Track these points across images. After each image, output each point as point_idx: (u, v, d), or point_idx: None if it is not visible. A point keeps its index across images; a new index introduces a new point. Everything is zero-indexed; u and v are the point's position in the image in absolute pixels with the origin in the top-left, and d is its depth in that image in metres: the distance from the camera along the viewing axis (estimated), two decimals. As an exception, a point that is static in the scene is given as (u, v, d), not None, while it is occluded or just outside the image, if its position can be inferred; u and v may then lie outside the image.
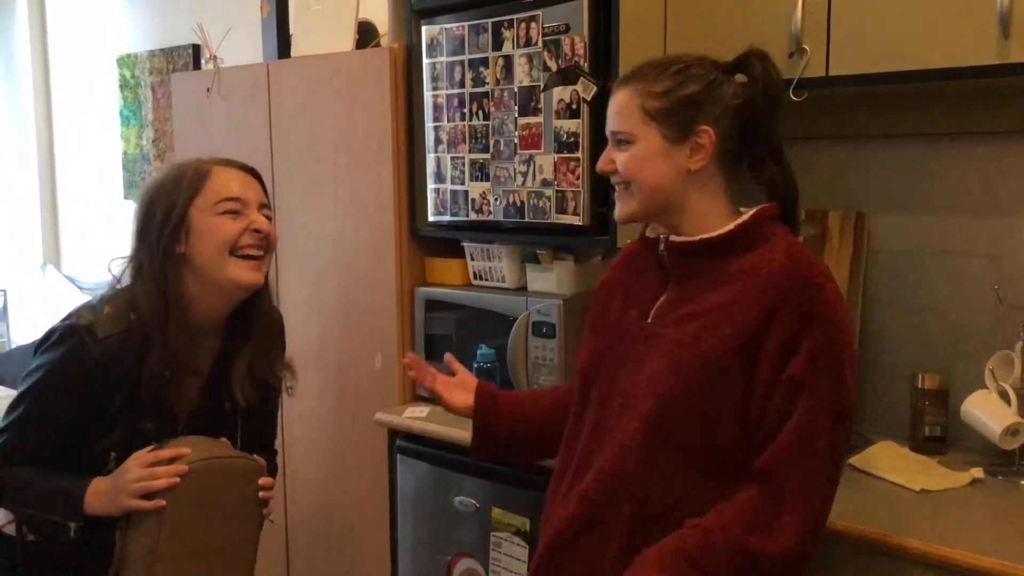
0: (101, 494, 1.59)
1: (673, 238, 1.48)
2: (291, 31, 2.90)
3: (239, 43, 3.21)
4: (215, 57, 3.03)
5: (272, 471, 1.82)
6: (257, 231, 1.65)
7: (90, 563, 1.64)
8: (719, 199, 1.47)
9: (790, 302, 1.33)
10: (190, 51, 3.94)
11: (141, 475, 1.56)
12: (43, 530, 1.66)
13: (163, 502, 1.56)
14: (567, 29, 2.10)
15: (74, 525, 1.59)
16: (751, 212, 1.46)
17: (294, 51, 2.85)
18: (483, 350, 2.27)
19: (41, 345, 1.65)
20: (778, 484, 1.31)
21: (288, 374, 1.84)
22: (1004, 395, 1.90)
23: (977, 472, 1.88)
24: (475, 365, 2.27)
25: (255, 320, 1.74)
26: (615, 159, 1.47)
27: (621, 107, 1.46)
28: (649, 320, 1.48)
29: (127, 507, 1.57)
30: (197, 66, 3.84)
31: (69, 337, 1.60)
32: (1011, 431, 1.85)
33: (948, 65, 1.74)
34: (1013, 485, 1.85)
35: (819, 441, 1.32)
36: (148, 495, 1.56)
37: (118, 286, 1.69)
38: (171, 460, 1.58)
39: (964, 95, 1.98)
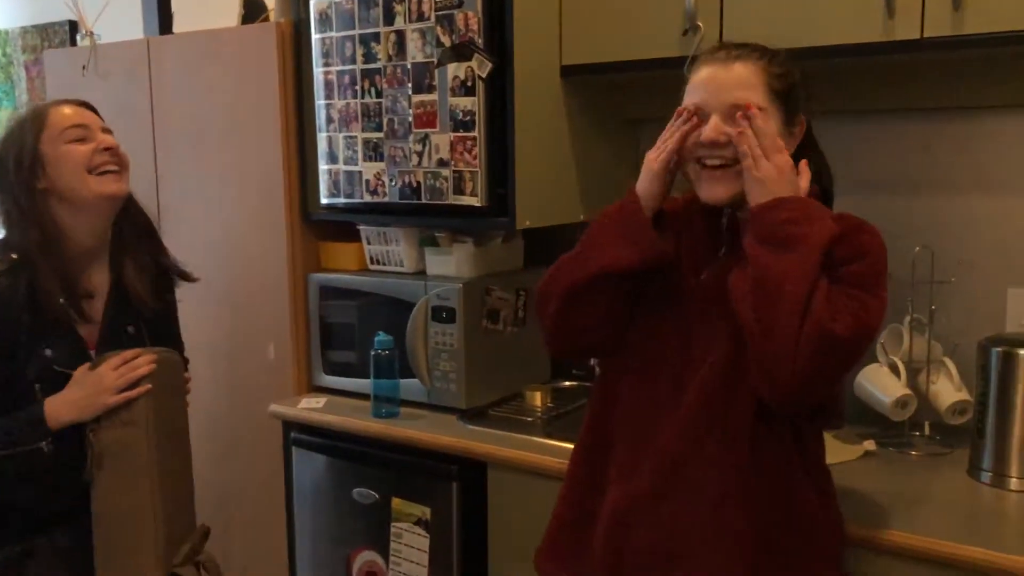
0: (71, 402, 1.65)
1: (745, 212, 1.42)
2: (173, 6, 2.75)
3: (118, 18, 3.04)
4: (91, 33, 2.86)
5: None
6: (107, 148, 1.72)
7: (62, 470, 1.67)
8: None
9: (848, 240, 1.36)
10: (66, 27, 3.73)
11: (121, 371, 1.66)
12: (12, 464, 1.64)
13: (150, 385, 1.68)
14: (460, 4, 2.04)
15: (44, 443, 1.63)
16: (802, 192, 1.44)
17: (176, 27, 2.72)
18: (380, 337, 2.21)
19: None
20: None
21: (177, 267, 1.91)
22: (894, 368, 1.95)
23: (869, 445, 1.92)
24: (372, 352, 2.20)
25: (130, 230, 1.81)
26: (730, 133, 1.38)
27: (745, 80, 1.39)
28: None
29: (109, 404, 1.65)
30: (74, 43, 3.63)
31: None
32: (901, 403, 1.90)
33: (836, 43, 1.76)
34: (903, 456, 1.90)
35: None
36: (128, 389, 1.66)
37: None
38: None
39: (855, 73, 2.01)
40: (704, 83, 1.43)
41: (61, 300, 1.67)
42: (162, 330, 1.87)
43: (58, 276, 1.67)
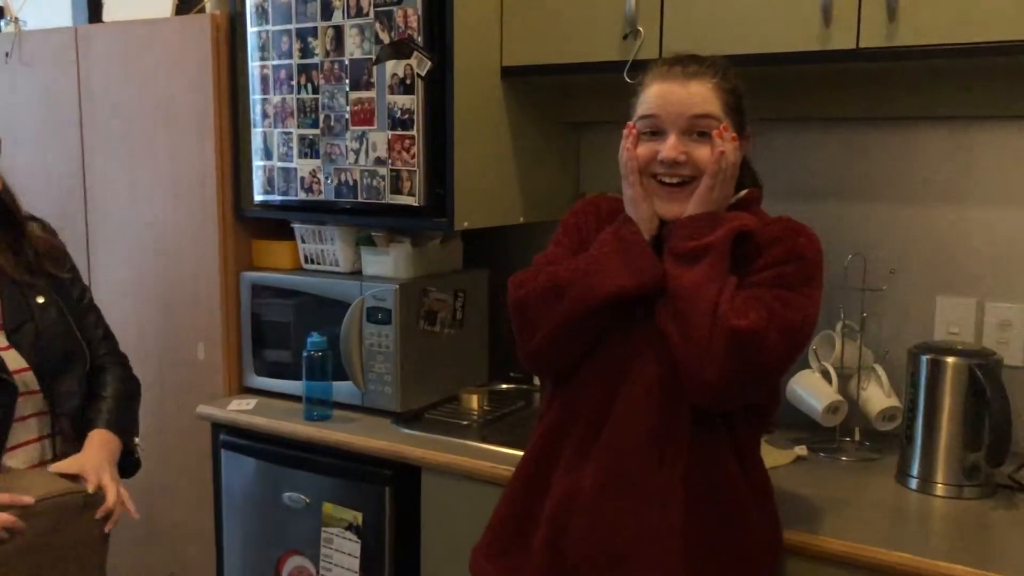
0: None
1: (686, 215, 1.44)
2: (103, -7, 2.67)
3: (45, 5, 2.93)
4: (16, 19, 2.75)
5: (135, 392, 1.75)
6: None
7: None
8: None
9: (782, 243, 1.42)
10: (-8, 13, 3.58)
11: None
12: None
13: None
14: (399, 1, 2.01)
15: None
16: (743, 193, 1.50)
17: (106, 15, 2.63)
18: (314, 338, 2.16)
19: None
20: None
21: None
22: (826, 374, 1.97)
23: (801, 450, 1.94)
24: (305, 353, 2.16)
25: (3, 213, 1.63)
26: (690, 152, 1.41)
27: (703, 99, 1.41)
28: None
29: None
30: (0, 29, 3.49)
31: None
32: (832, 409, 1.92)
33: (773, 50, 1.78)
34: (834, 461, 1.92)
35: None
36: None
37: None
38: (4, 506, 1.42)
39: (791, 81, 2.03)
40: (660, 99, 1.43)
41: None
42: (79, 311, 1.70)
43: None
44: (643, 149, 1.44)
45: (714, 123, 1.41)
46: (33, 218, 1.75)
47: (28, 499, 1.42)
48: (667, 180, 1.43)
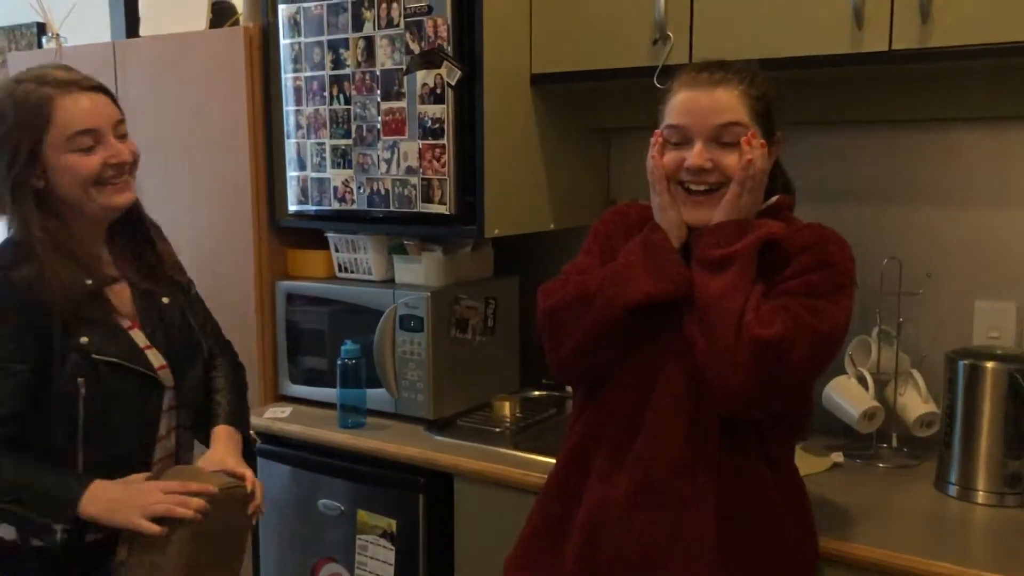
0: (103, 499, 1.46)
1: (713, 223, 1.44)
2: (140, 9, 2.72)
3: (85, 21, 3.00)
4: (57, 35, 2.82)
5: (244, 384, 1.82)
6: (119, 164, 1.55)
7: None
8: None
9: (812, 251, 1.41)
10: (34, 29, 3.67)
11: (165, 498, 1.46)
12: (22, 526, 1.49)
13: (167, 528, 1.45)
14: (429, 11, 2.02)
15: (60, 527, 1.44)
16: (774, 199, 1.49)
17: (144, 30, 2.68)
18: (347, 346, 2.18)
19: None
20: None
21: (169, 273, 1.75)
22: (862, 380, 1.94)
23: (837, 456, 1.92)
24: (339, 361, 2.17)
25: (123, 231, 1.66)
26: (717, 159, 1.40)
27: (728, 106, 1.40)
28: None
29: (132, 524, 1.45)
30: (41, 45, 3.57)
31: None
32: (868, 415, 1.89)
33: (805, 54, 1.76)
34: (870, 467, 1.90)
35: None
36: (160, 521, 1.45)
37: None
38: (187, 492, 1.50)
39: (824, 84, 2.01)
40: (686, 107, 1.43)
41: (88, 282, 1.52)
42: (191, 305, 1.75)
43: (73, 264, 1.52)
44: (669, 157, 1.44)
45: (741, 131, 1.39)
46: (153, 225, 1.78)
47: (214, 489, 1.51)
48: (694, 188, 1.43)
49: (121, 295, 1.61)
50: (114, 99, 1.60)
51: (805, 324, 1.34)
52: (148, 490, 1.48)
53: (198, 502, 1.47)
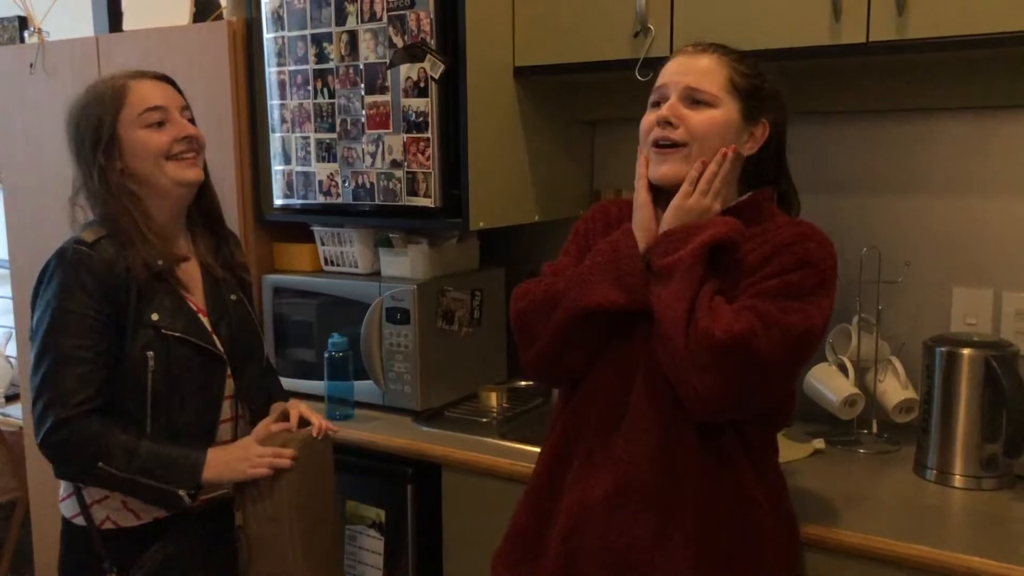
0: (216, 463, 1.66)
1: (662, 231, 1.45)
2: (123, 4, 2.71)
3: (67, 16, 2.99)
4: (39, 30, 2.81)
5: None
6: (186, 137, 1.70)
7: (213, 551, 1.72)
8: (733, 185, 1.49)
9: (791, 250, 1.40)
10: (16, 23, 3.64)
11: (265, 451, 1.68)
12: (148, 499, 1.64)
13: (272, 472, 1.67)
14: (412, 4, 2.03)
15: (185, 492, 1.62)
16: (751, 192, 1.51)
17: (127, 24, 2.67)
18: (335, 339, 2.19)
19: (39, 287, 1.66)
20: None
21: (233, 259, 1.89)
22: (843, 367, 1.97)
23: (818, 443, 1.95)
24: (326, 354, 2.19)
25: (198, 211, 1.81)
26: (684, 116, 1.43)
27: (708, 69, 1.44)
28: None
29: (246, 475, 1.67)
30: (23, 40, 3.55)
31: (62, 258, 1.63)
32: (849, 402, 1.92)
33: (784, 45, 1.78)
34: (851, 454, 1.93)
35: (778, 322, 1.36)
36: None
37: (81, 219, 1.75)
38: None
39: (802, 75, 2.03)
40: (669, 69, 1.49)
41: (160, 263, 1.65)
42: (253, 310, 1.87)
43: (149, 244, 1.65)
44: (647, 118, 1.48)
45: (711, 98, 1.42)
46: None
47: (301, 437, 1.73)
48: (660, 142, 1.45)
49: (193, 279, 1.75)
50: (179, 88, 1.77)
51: (775, 322, 1.33)
52: (247, 445, 1.70)
53: (290, 451, 1.69)
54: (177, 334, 1.66)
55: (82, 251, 1.62)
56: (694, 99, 1.43)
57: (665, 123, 1.44)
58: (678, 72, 1.45)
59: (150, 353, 1.63)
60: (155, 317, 1.64)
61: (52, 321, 1.60)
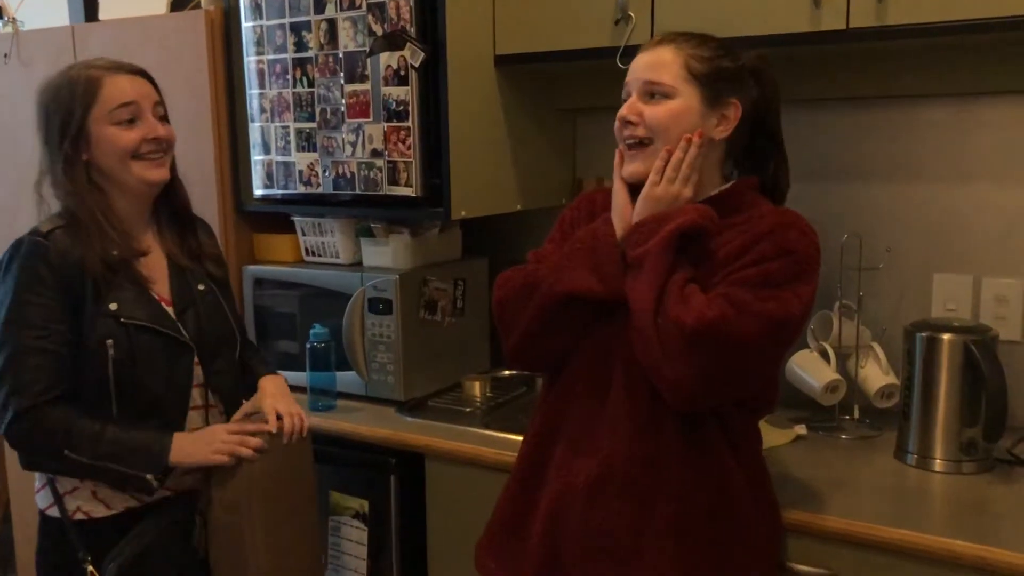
0: (181, 447, 1.64)
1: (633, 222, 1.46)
2: (99, -8, 2.68)
3: (42, 3, 2.94)
4: (14, 19, 2.77)
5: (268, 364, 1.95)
6: (155, 138, 1.68)
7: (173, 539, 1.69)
8: (715, 170, 1.50)
9: (772, 238, 1.40)
10: (-10, 13, 3.59)
11: (230, 438, 1.66)
12: (117, 484, 1.64)
13: (234, 460, 1.65)
14: (392, -8, 2.02)
15: (153, 476, 1.61)
16: (733, 181, 1.51)
17: (103, 14, 2.64)
18: (316, 329, 2.18)
19: None
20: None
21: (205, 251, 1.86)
22: (824, 354, 1.98)
23: (800, 429, 1.96)
24: (308, 345, 2.18)
25: (166, 208, 1.79)
26: (643, 111, 1.44)
27: (663, 62, 1.44)
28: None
29: (207, 460, 1.65)
30: (-2, 30, 3.51)
31: (18, 249, 1.63)
32: (830, 388, 1.93)
33: (764, 33, 1.78)
34: (833, 439, 1.94)
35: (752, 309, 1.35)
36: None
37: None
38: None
39: (783, 63, 2.03)
40: (632, 66, 1.49)
41: (115, 253, 1.64)
42: (228, 299, 1.84)
43: (107, 237, 1.64)
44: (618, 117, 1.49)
45: (667, 89, 1.43)
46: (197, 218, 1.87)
47: (271, 428, 1.71)
48: (628, 142, 1.47)
49: (156, 270, 1.72)
50: (154, 84, 1.74)
51: (750, 310, 1.33)
52: (214, 431, 1.68)
53: (256, 441, 1.67)
54: (137, 322, 1.64)
55: (37, 241, 1.61)
56: (652, 92, 1.45)
57: (626, 122, 1.46)
58: (638, 68, 1.47)
59: (110, 342, 1.61)
60: (113, 307, 1.62)
61: (8, 312, 1.59)
